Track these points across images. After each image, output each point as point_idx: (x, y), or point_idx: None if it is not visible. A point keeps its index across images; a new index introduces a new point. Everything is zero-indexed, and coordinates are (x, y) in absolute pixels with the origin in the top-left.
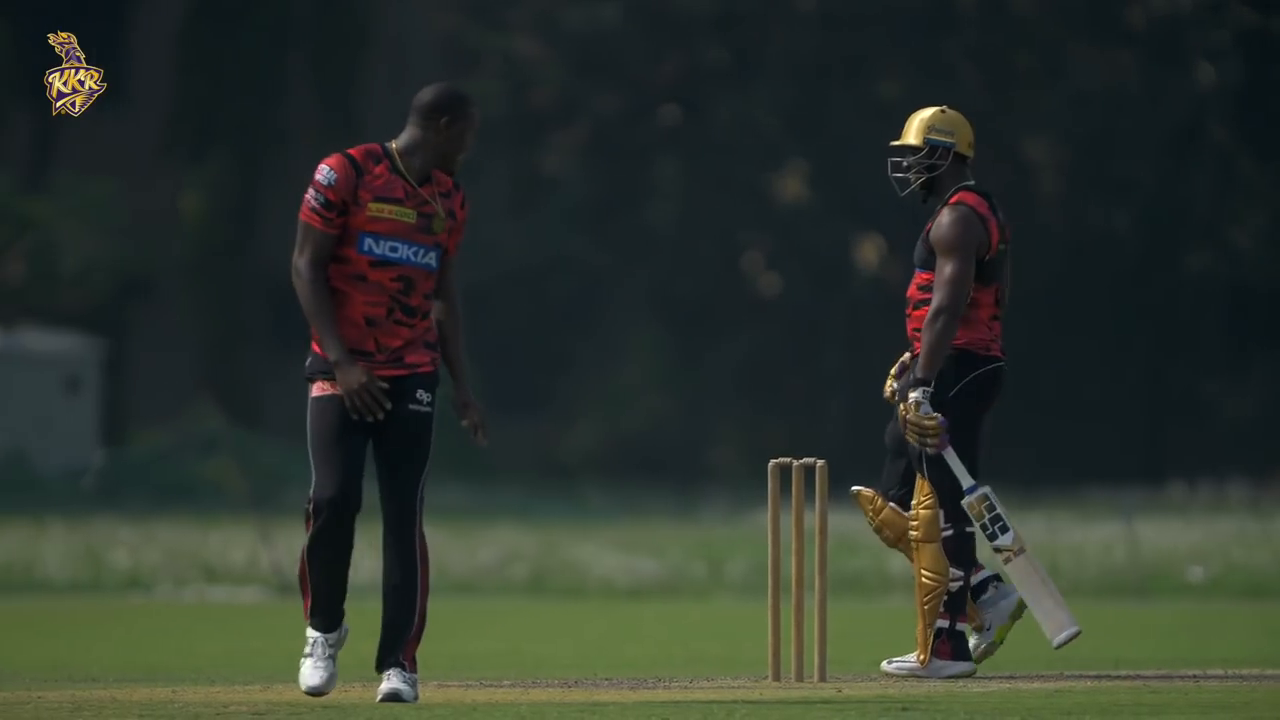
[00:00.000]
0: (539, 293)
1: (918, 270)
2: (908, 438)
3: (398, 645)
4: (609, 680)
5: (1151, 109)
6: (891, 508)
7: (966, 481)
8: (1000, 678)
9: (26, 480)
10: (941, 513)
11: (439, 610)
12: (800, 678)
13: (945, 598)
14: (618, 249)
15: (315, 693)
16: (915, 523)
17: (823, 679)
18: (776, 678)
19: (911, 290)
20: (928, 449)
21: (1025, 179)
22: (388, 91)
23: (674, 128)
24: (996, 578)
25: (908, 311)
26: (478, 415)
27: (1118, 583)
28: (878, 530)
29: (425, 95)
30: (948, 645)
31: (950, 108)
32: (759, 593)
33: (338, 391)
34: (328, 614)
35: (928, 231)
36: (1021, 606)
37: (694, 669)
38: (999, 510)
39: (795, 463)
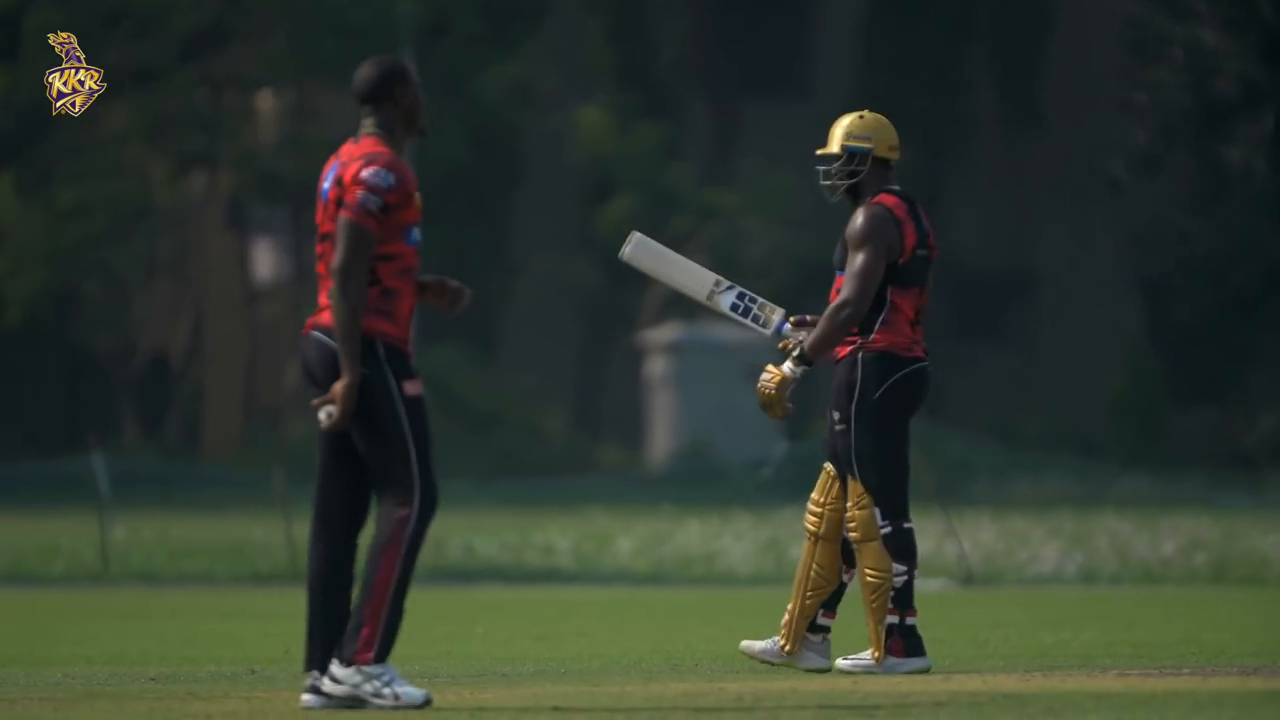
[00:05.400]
0: (1223, 282)
1: (838, 274)
2: (759, 393)
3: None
4: None
5: None
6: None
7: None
8: None
9: (712, 471)
10: (878, 511)
11: (1123, 599)
12: None
13: (891, 594)
14: None
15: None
16: (853, 523)
17: None
18: None
19: (834, 295)
20: (770, 415)
21: None
22: (1069, 81)
23: None
24: (828, 631)
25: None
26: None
27: None
28: (817, 516)
29: (368, 79)
30: (900, 642)
31: (870, 112)
32: None
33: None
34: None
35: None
36: (824, 671)
37: None
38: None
39: None
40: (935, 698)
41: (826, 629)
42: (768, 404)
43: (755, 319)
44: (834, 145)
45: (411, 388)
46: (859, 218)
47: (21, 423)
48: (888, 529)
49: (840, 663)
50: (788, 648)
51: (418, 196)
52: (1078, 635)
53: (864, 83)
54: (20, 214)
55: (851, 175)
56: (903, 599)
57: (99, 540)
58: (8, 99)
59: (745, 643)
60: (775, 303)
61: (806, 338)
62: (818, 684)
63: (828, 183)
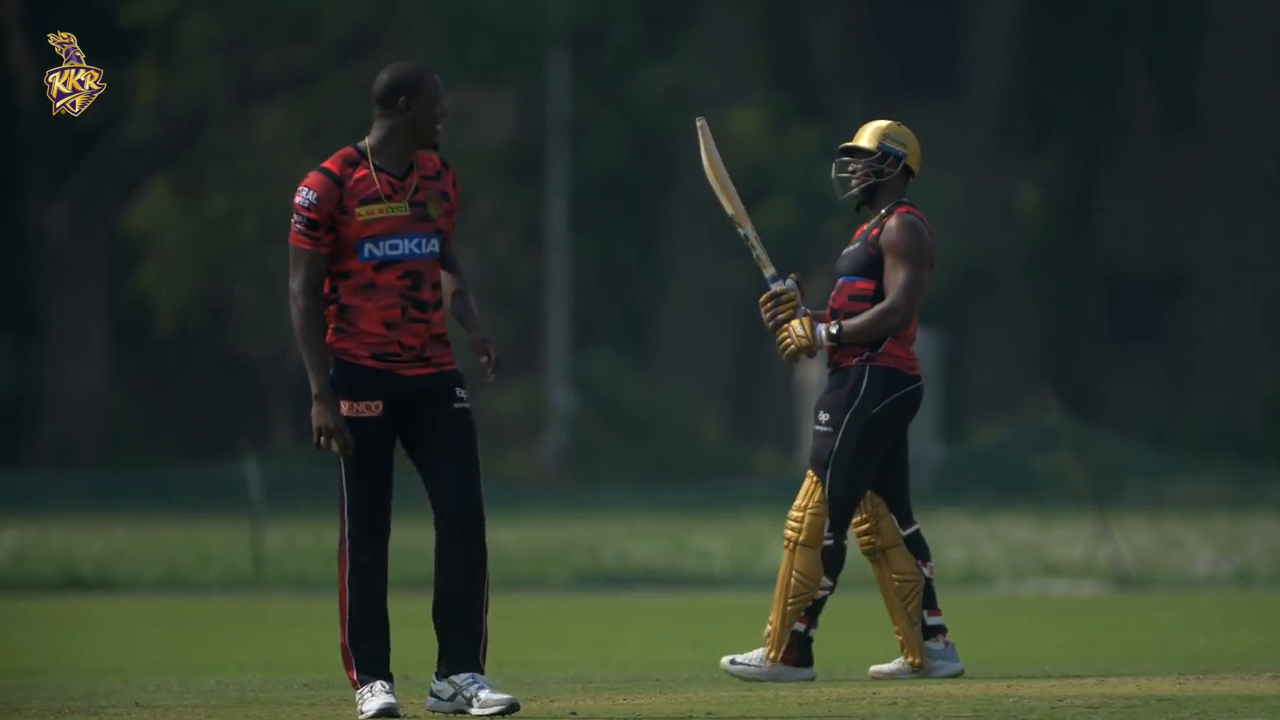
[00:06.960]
0: None
1: (850, 280)
2: (785, 343)
3: (474, 655)
4: None
5: None
6: (891, 520)
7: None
8: None
9: None
10: (827, 521)
11: (1278, 602)
12: None
13: (810, 604)
14: None
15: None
16: (798, 524)
17: None
18: None
19: (841, 301)
20: (782, 353)
21: None
22: (1224, 81)
23: None
24: (945, 629)
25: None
26: (495, 351)
27: None
28: (867, 533)
29: (377, 84)
30: (797, 653)
31: (904, 124)
32: None
33: (369, 413)
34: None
35: (872, 237)
36: (957, 676)
37: None
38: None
39: None
40: (1089, 701)
41: (942, 628)
42: (788, 357)
43: (757, 258)
44: (868, 141)
45: (348, 408)
46: (897, 228)
47: (175, 429)
48: (829, 541)
49: (726, 664)
50: (915, 661)
51: (383, 208)
52: (1232, 638)
53: (1019, 83)
54: (173, 220)
55: (878, 175)
56: (814, 612)
57: (252, 546)
58: (162, 105)
59: (874, 667)
60: (925, 311)
61: (849, 321)
62: (973, 689)
63: (844, 175)
